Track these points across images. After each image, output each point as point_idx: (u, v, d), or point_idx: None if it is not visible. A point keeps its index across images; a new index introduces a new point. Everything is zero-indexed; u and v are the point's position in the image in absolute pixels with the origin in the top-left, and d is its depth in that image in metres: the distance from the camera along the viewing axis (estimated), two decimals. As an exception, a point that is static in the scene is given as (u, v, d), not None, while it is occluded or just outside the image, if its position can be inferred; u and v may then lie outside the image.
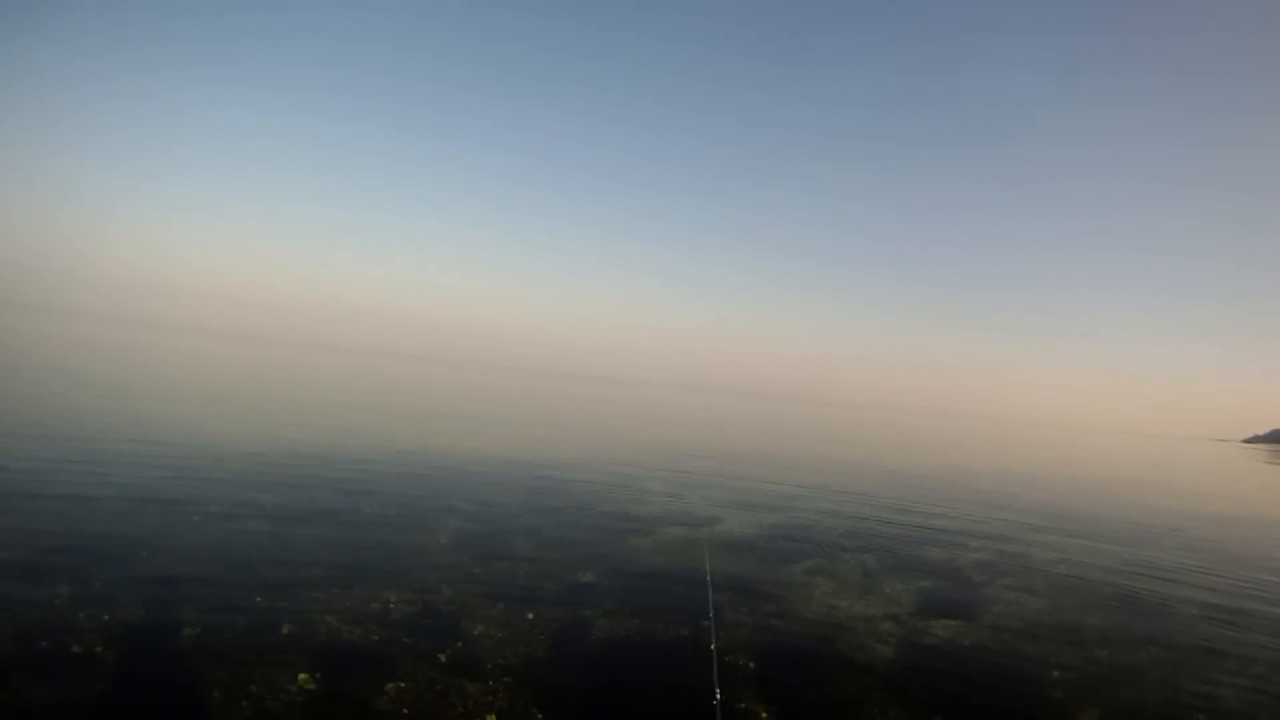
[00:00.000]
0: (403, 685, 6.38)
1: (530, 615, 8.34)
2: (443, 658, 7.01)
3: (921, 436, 74.31)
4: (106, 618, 7.00)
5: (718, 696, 5.33)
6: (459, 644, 7.36)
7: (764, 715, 6.53)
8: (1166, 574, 13.86)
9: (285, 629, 7.26)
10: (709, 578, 8.40)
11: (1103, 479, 40.42)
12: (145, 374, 42.08)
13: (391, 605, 8.19)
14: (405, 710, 5.99)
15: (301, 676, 6.31)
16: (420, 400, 48.07)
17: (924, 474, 31.65)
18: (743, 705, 6.67)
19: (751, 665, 7.64)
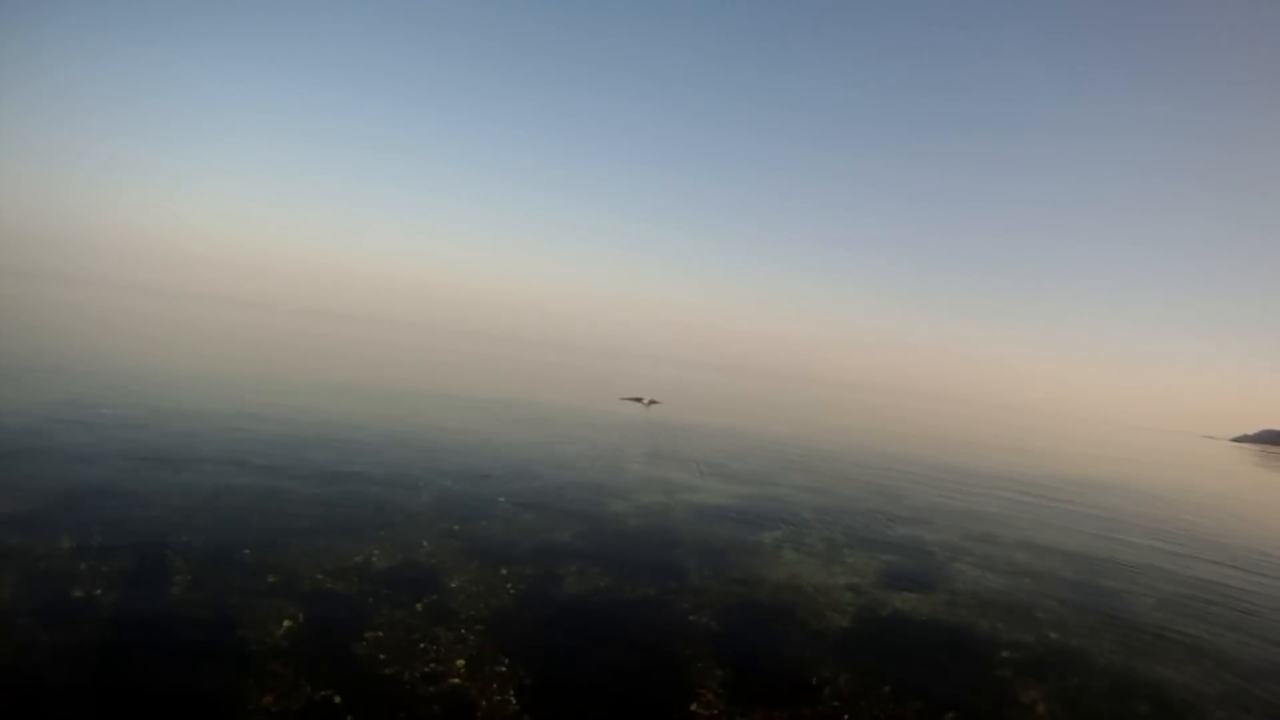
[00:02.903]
0: (380, 633, 6.85)
1: (504, 571, 8.84)
2: (419, 607, 7.50)
3: (919, 420, 74.69)
4: (105, 568, 7.46)
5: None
6: (435, 596, 7.85)
7: (719, 672, 6.98)
8: (1132, 564, 14.15)
9: (271, 579, 7.74)
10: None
11: (1087, 467, 40.95)
12: (149, 340, 42.44)
13: (374, 559, 8.68)
14: (381, 655, 6.47)
15: (286, 622, 6.79)
16: (417, 369, 48.49)
17: (898, 452, 32.05)
18: (700, 665, 7.08)
19: (714, 625, 8.09)
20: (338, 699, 5.74)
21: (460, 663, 6.51)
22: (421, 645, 6.74)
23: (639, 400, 40.16)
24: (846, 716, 6.53)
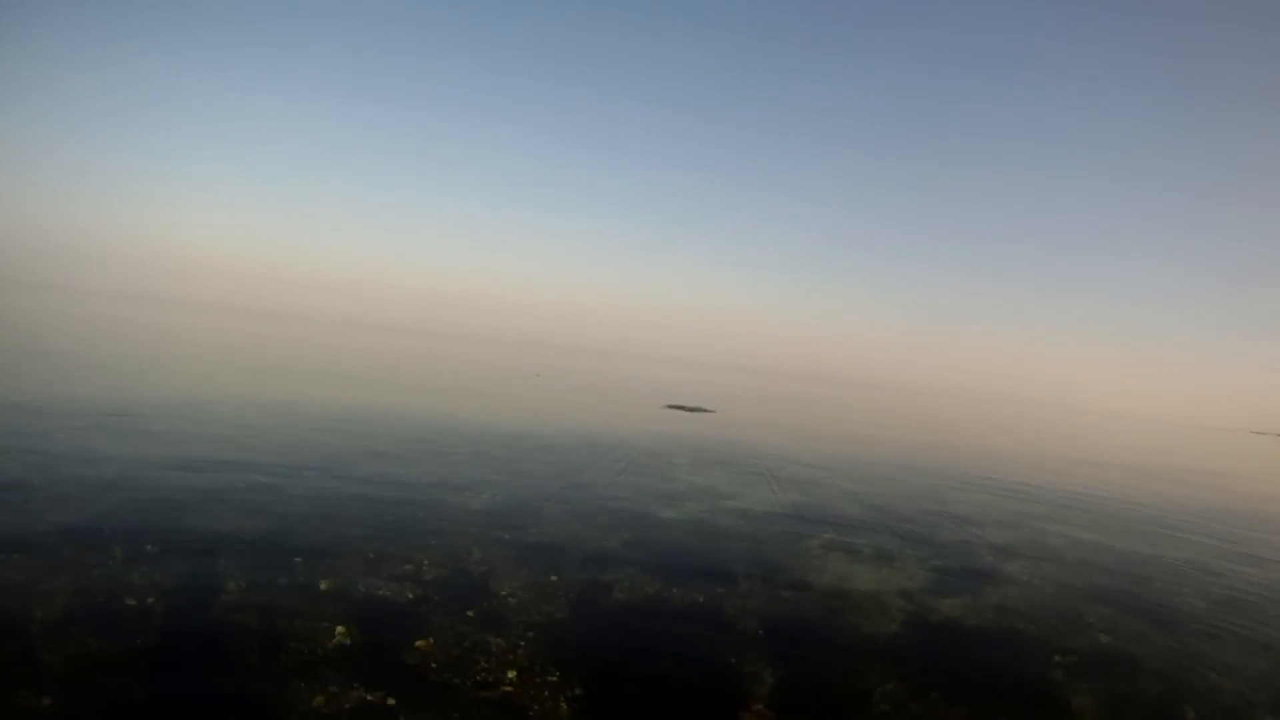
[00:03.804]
0: (432, 640, 6.80)
1: (554, 578, 8.76)
2: (470, 614, 7.45)
3: (984, 422, 73.78)
4: (158, 576, 7.50)
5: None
6: (486, 603, 7.79)
7: (768, 679, 6.88)
8: (1186, 562, 13.83)
9: (323, 586, 7.74)
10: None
11: (1141, 467, 40.20)
12: (187, 350, 43.18)
13: (425, 566, 8.66)
14: (434, 663, 6.41)
15: (339, 630, 6.77)
16: (458, 377, 48.85)
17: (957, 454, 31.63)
18: (749, 671, 6.99)
19: (761, 632, 7.97)
20: (390, 701, 5.71)
21: (511, 673, 6.42)
22: (473, 652, 6.68)
23: (684, 409, 39.73)
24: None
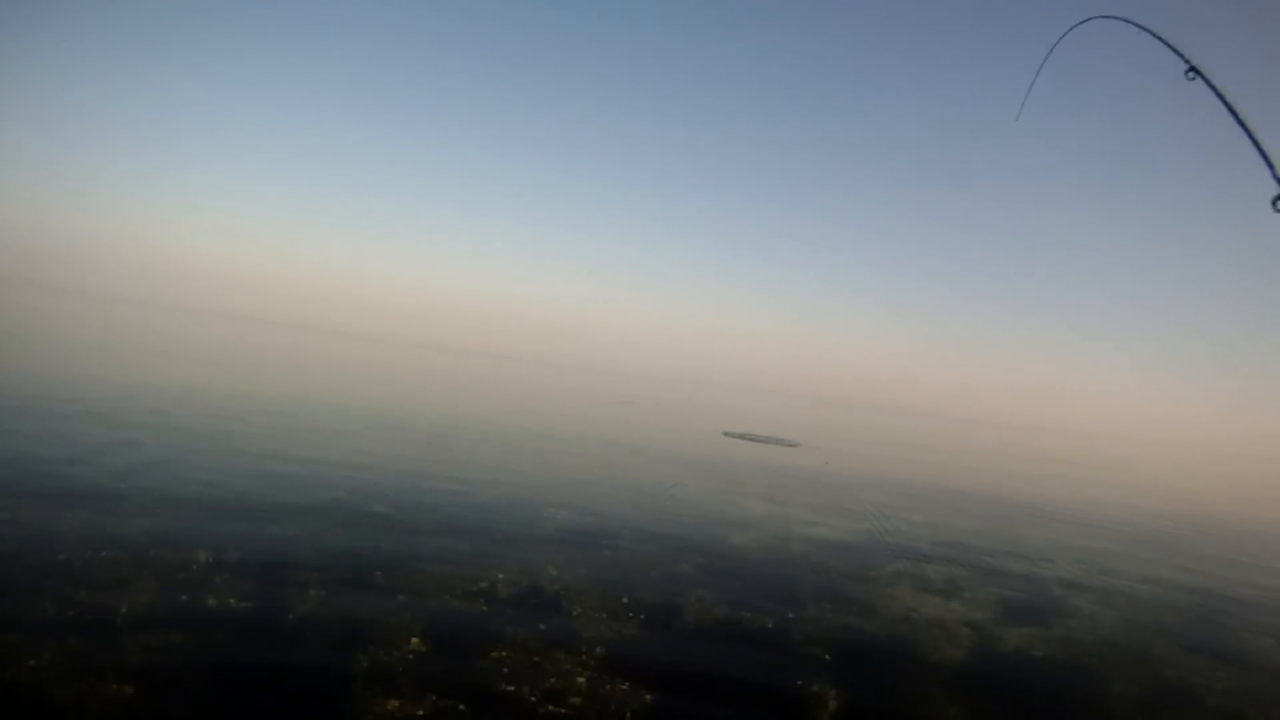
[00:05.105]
0: (504, 653, 6.80)
1: (625, 599, 8.68)
2: (542, 628, 7.43)
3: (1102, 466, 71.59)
4: (239, 581, 7.66)
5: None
6: (557, 620, 7.77)
7: (832, 704, 6.73)
8: (1254, 600, 13.40)
9: (400, 599, 7.80)
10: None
11: (1212, 500, 38.72)
12: (262, 363, 44.45)
13: (499, 584, 8.67)
14: (505, 670, 6.42)
15: (414, 640, 6.82)
16: (536, 400, 49.34)
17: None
18: (814, 694, 6.86)
19: (828, 657, 7.81)
20: (461, 707, 5.73)
21: (580, 680, 6.41)
22: (543, 665, 6.65)
23: (755, 439, 39.00)
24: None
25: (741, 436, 39.46)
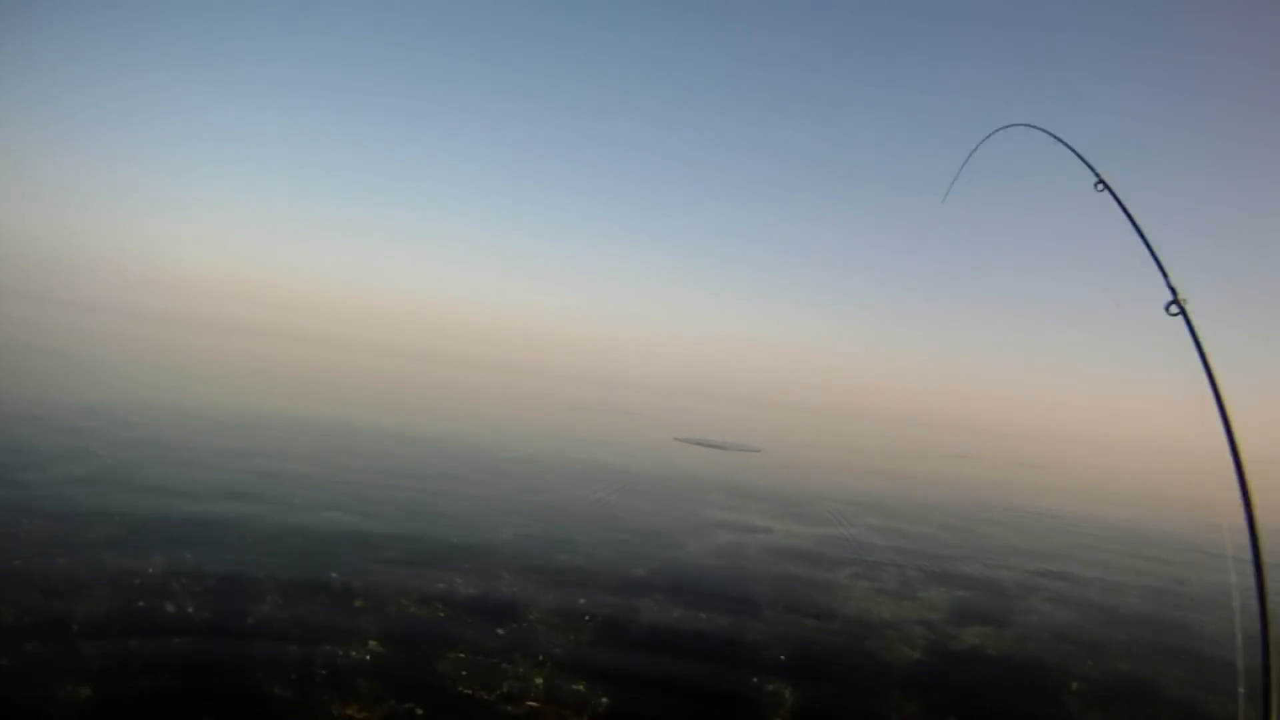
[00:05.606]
0: (461, 655, 6.90)
1: (582, 601, 8.81)
2: (500, 632, 7.55)
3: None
4: (196, 587, 7.68)
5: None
6: (515, 624, 7.87)
7: (788, 702, 6.90)
8: (1203, 597, 13.61)
9: (358, 603, 7.87)
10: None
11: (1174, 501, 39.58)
12: (223, 370, 43.93)
13: (457, 588, 8.76)
14: (463, 673, 6.53)
15: (371, 643, 6.90)
16: (494, 406, 49.22)
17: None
18: (769, 692, 7.04)
19: (784, 657, 7.98)
20: (419, 711, 5.82)
21: (538, 682, 6.54)
22: (501, 667, 6.76)
23: (714, 445, 38.86)
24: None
25: (696, 442, 38.77)
